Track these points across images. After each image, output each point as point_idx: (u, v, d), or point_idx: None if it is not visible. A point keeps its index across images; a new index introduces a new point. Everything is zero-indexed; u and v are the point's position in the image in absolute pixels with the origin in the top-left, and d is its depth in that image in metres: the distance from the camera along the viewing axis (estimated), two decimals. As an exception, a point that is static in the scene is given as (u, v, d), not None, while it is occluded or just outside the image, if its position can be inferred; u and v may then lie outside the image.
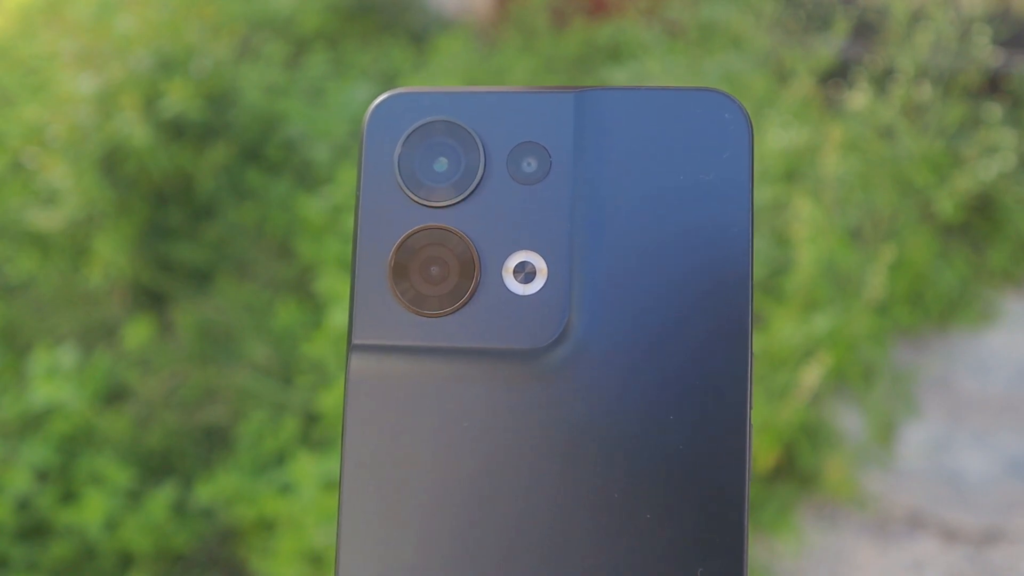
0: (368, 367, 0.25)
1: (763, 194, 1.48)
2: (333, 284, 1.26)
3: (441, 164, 0.26)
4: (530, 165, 0.26)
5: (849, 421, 1.37)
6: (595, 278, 0.25)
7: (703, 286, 0.25)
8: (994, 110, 1.83)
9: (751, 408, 0.24)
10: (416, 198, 0.26)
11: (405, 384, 0.25)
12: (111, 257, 1.39)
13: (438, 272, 0.26)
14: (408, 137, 0.26)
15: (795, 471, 1.28)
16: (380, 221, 0.26)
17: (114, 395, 1.24)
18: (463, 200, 0.26)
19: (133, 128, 1.40)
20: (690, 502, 0.24)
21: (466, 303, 0.25)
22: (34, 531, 1.08)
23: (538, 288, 0.25)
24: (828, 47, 1.90)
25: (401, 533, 0.25)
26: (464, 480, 0.25)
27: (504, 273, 0.26)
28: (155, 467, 1.16)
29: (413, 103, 0.27)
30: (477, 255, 0.26)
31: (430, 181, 0.26)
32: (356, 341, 0.26)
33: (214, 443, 1.21)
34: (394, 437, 0.25)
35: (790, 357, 1.26)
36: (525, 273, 0.25)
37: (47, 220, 1.39)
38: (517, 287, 0.25)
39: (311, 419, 1.21)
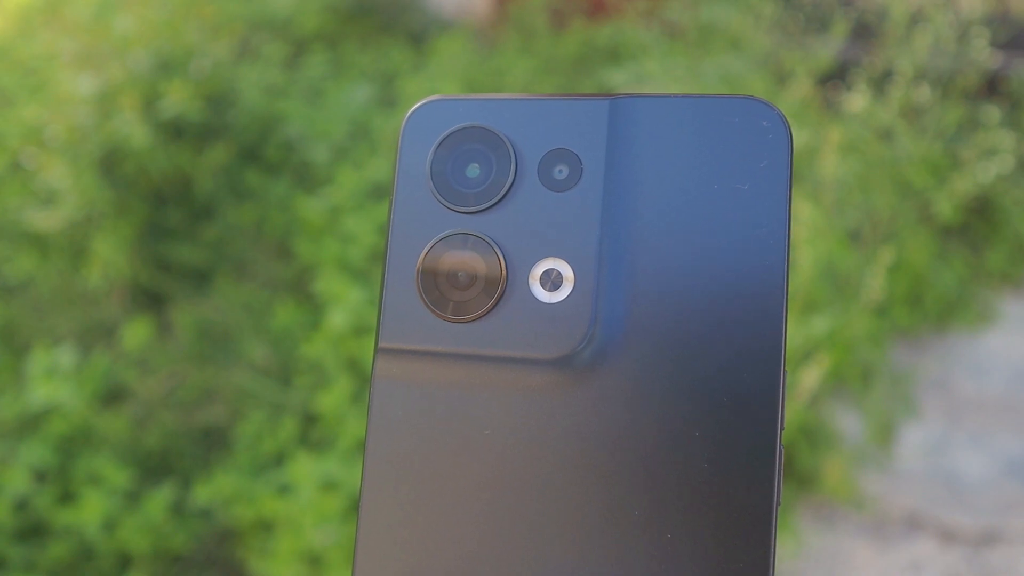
0: (394, 370, 0.25)
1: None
2: (332, 285, 1.25)
3: (473, 170, 0.26)
4: (561, 172, 0.26)
5: (848, 422, 1.37)
6: (623, 287, 0.25)
7: (735, 299, 0.24)
8: (992, 112, 1.83)
9: (782, 428, 0.23)
10: (447, 204, 0.26)
11: (429, 389, 0.25)
12: (110, 257, 1.39)
13: (465, 278, 0.26)
14: (441, 143, 0.27)
15: (794, 472, 1.28)
16: (411, 226, 0.26)
17: (113, 395, 1.24)
18: (493, 206, 0.26)
19: (132, 129, 1.40)
20: (713, 524, 0.23)
21: (492, 309, 0.25)
22: (32, 531, 1.07)
23: (564, 296, 0.25)
24: (827, 49, 1.90)
25: (419, 537, 0.25)
26: (483, 487, 0.25)
27: (531, 280, 0.25)
28: (153, 467, 1.16)
29: (448, 110, 0.27)
30: (504, 262, 0.25)
31: (461, 187, 0.26)
32: (383, 344, 0.26)
33: (212, 443, 1.21)
34: (417, 440, 0.25)
35: (789, 358, 1.26)
36: (552, 281, 0.25)
37: (46, 220, 1.39)
38: (543, 294, 0.25)
39: (310, 420, 1.21)
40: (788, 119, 0.25)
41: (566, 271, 0.25)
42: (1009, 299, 1.76)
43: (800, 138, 1.57)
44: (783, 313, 0.24)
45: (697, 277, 0.24)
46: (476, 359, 0.25)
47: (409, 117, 0.27)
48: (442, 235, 0.26)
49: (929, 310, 1.65)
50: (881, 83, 1.80)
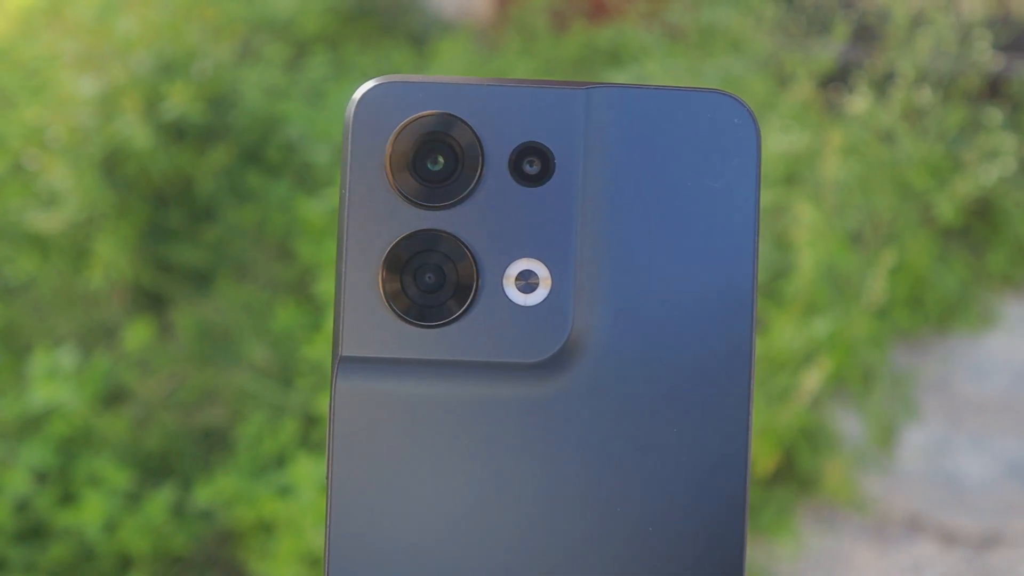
0: (357, 382, 0.24)
1: (763, 198, 1.48)
2: (333, 286, 1.25)
3: (436, 162, 0.24)
4: (533, 166, 0.24)
5: (848, 424, 1.37)
6: (599, 288, 0.24)
7: (707, 297, 0.24)
8: (994, 114, 1.83)
9: (752, 421, 0.24)
10: (408, 199, 0.24)
11: (398, 400, 0.24)
12: (111, 258, 1.39)
13: (433, 280, 0.24)
14: (401, 131, 0.24)
15: (794, 474, 1.28)
16: (369, 224, 0.24)
17: (113, 396, 1.24)
18: (460, 202, 0.24)
19: (134, 130, 1.40)
20: (691, 515, 0.24)
21: (464, 314, 0.24)
22: (33, 532, 1.07)
23: (541, 299, 0.24)
24: (828, 51, 1.90)
25: (393, 557, 0.24)
26: (460, 499, 0.24)
27: (505, 282, 0.24)
28: (154, 468, 1.16)
29: (406, 94, 0.24)
30: (476, 262, 0.24)
31: (424, 181, 0.24)
32: (345, 353, 0.24)
33: (213, 445, 1.21)
34: (385, 458, 0.24)
35: (790, 360, 1.26)
36: (527, 282, 0.24)
37: (47, 221, 1.39)
38: (518, 297, 0.24)
39: (310, 421, 1.21)
40: (757, 116, 0.25)
41: (542, 272, 0.24)
42: (1010, 301, 1.76)
43: (801, 140, 1.57)
44: (752, 310, 0.24)
45: (672, 276, 0.24)
46: (447, 366, 0.24)
47: (360, 100, 0.24)
48: (406, 233, 0.24)
49: (930, 312, 1.65)
50: (882, 85, 1.80)
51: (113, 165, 1.45)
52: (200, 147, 1.54)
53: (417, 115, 0.24)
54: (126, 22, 1.54)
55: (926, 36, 1.79)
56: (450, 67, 2.01)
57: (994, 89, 2.01)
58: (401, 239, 0.24)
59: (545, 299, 0.24)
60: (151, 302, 1.45)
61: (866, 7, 2.07)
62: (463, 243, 0.24)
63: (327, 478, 0.24)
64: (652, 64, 1.91)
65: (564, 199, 0.24)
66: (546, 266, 0.24)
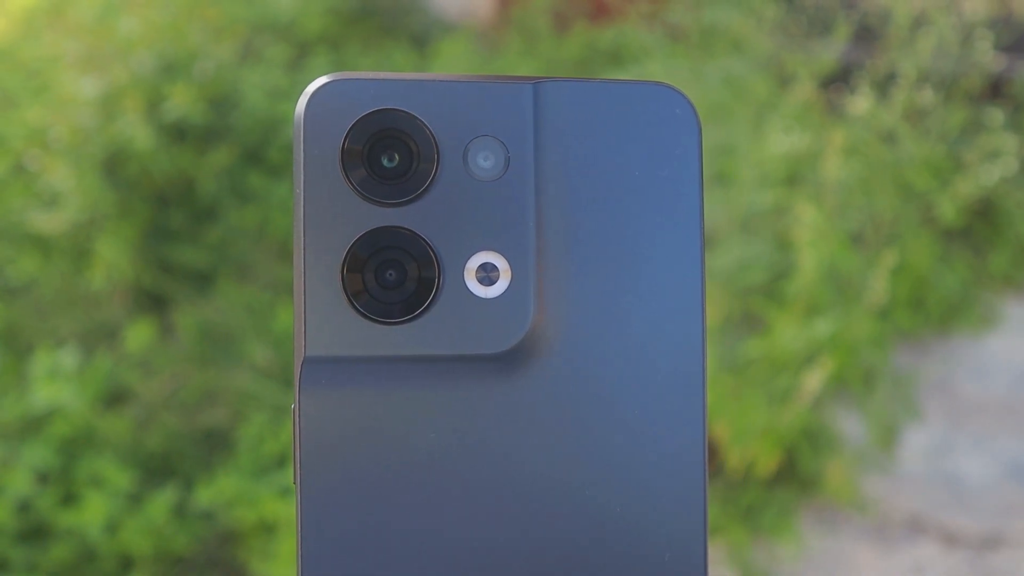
0: (324, 382, 0.24)
1: (764, 198, 1.48)
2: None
3: (391, 158, 0.24)
4: (487, 160, 0.24)
5: (850, 425, 1.37)
6: (558, 278, 0.24)
7: (659, 284, 0.25)
8: (996, 115, 1.83)
9: (707, 404, 0.25)
10: (365, 196, 0.24)
11: (365, 397, 0.24)
12: (113, 259, 1.39)
13: (395, 277, 0.24)
14: (353, 128, 0.24)
15: (796, 475, 1.28)
16: (327, 223, 0.24)
17: (115, 397, 1.24)
18: (417, 198, 0.24)
19: (135, 131, 1.41)
20: (656, 495, 0.25)
21: (427, 309, 0.24)
22: (34, 533, 1.08)
23: (502, 290, 0.24)
24: (830, 51, 1.90)
25: (366, 552, 0.24)
26: (430, 492, 0.24)
27: (466, 275, 0.24)
28: (155, 469, 1.16)
29: (358, 90, 0.24)
30: (436, 257, 0.24)
31: (380, 177, 0.24)
32: (309, 354, 0.24)
33: (214, 445, 1.21)
34: (355, 456, 0.24)
35: (791, 361, 1.26)
36: (488, 275, 0.24)
37: (49, 222, 1.40)
38: (480, 289, 0.24)
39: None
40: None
41: (502, 264, 0.24)
42: (1011, 301, 1.75)
43: (803, 141, 1.57)
44: (701, 294, 0.25)
45: (626, 264, 0.25)
46: (411, 362, 0.24)
47: (310, 98, 0.24)
48: (366, 231, 0.24)
49: (931, 313, 1.65)
50: (884, 86, 1.80)
51: (114, 166, 1.45)
52: (201, 148, 1.55)
53: (370, 111, 0.24)
54: (128, 23, 1.54)
55: (928, 36, 1.79)
56: (451, 68, 2.01)
57: (996, 89, 2.00)
58: (360, 237, 0.24)
59: (506, 291, 0.24)
60: (152, 303, 1.45)
61: (867, 7, 2.07)
62: (423, 238, 0.24)
63: (295, 482, 0.24)
64: (653, 65, 1.91)
65: (519, 191, 0.25)
66: (505, 258, 0.24)
